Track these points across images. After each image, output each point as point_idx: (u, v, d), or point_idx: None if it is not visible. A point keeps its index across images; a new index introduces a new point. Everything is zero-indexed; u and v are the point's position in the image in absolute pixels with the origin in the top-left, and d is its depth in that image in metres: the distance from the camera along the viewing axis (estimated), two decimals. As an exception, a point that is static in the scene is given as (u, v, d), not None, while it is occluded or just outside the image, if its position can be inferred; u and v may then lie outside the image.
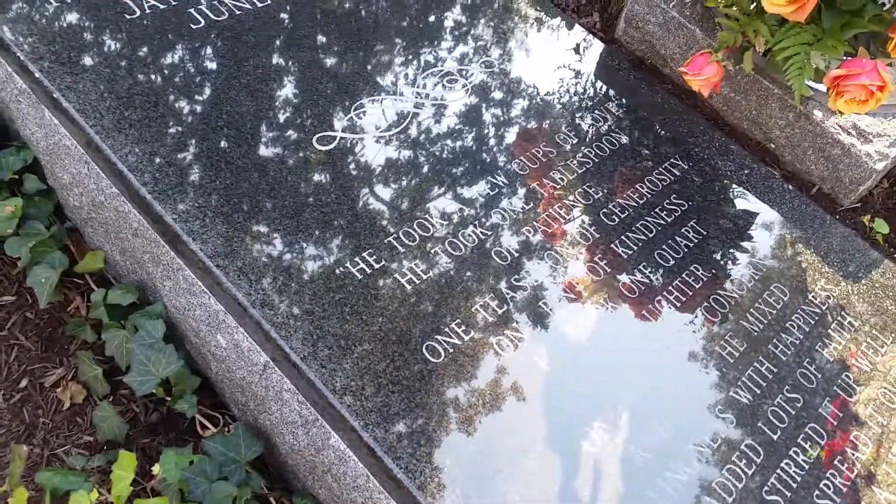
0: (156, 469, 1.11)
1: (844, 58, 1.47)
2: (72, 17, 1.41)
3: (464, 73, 1.62)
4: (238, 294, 1.16)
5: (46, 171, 1.42)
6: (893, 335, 1.41)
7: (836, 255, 1.52)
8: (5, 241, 1.37)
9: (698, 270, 1.38)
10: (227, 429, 1.28)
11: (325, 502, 1.15)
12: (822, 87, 1.56)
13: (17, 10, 1.38)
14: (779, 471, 1.16)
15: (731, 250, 1.45)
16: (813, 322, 1.38)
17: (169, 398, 1.27)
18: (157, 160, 1.26)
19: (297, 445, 1.14)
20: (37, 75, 1.31)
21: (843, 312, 1.42)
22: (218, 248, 1.19)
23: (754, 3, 1.51)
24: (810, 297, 1.42)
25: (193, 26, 1.49)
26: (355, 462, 1.07)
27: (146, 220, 1.23)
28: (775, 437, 1.20)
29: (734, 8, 1.57)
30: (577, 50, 1.79)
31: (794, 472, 1.17)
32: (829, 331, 1.38)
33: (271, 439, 1.21)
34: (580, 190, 1.46)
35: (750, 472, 1.15)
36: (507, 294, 1.26)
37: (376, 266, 1.24)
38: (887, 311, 1.45)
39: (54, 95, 1.30)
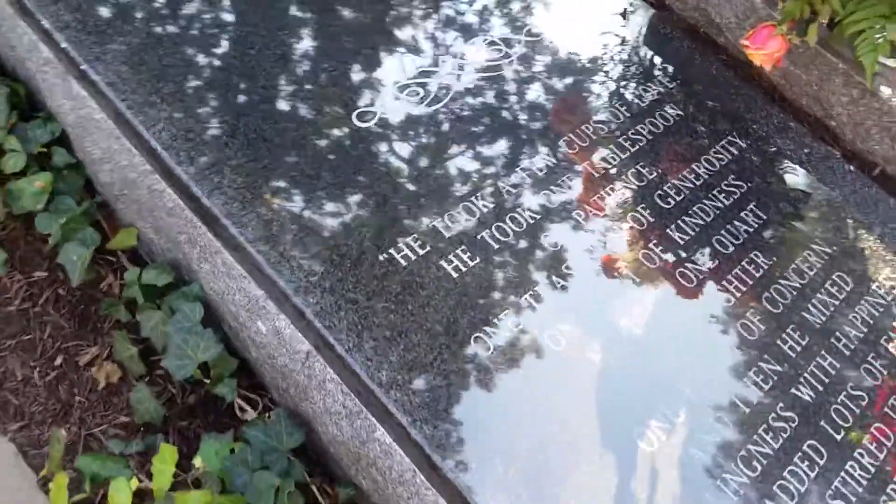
0: (197, 462, 1.08)
1: (922, 31, 1.37)
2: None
3: (508, 41, 1.53)
4: (279, 280, 1.11)
5: (75, 145, 1.37)
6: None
7: (901, 242, 1.44)
8: (35, 216, 1.33)
9: (758, 258, 1.31)
10: (267, 414, 1.24)
11: (368, 493, 1.12)
12: (891, 63, 1.46)
13: (43, -26, 1.31)
14: (843, 474, 1.11)
15: (792, 236, 1.37)
16: (878, 314, 1.31)
17: (207, 380, 1.23)
18: (192, 137, 1.20)
19: (341, 436, 1.11)
20: (63, 45, 1.25)
21: (908, 304, 1.35)
22: (259, 231, 1.13)
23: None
24: (874, 288, 1.35)
25: (226, -10, 1.41)
26: (402, 457, 1.03)
27: (182, 199, 1.18)
28: (839, 438, 1.15)
29: (799, -26, 1.46)
30: (624, 15, 1.69)
31: (858, 475, 1.12)
32: (895, 324, 1.31)
33: (313, 426, 1.17)
34: (633, 170, 1.38)
35: (813, 475, 1.10)
36: (558, 283, 1.20)
37: (421, 252, 1.18)
38: (954, 301, 1.37)
39: (82, 67, 1.24)
